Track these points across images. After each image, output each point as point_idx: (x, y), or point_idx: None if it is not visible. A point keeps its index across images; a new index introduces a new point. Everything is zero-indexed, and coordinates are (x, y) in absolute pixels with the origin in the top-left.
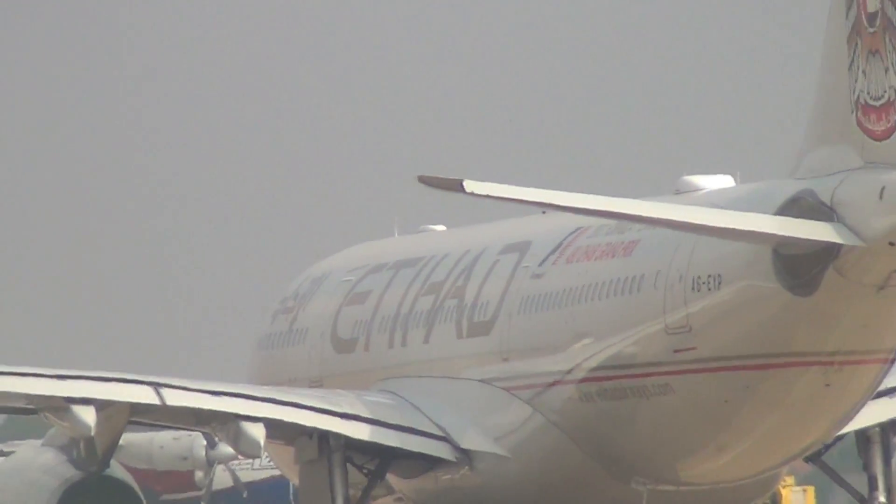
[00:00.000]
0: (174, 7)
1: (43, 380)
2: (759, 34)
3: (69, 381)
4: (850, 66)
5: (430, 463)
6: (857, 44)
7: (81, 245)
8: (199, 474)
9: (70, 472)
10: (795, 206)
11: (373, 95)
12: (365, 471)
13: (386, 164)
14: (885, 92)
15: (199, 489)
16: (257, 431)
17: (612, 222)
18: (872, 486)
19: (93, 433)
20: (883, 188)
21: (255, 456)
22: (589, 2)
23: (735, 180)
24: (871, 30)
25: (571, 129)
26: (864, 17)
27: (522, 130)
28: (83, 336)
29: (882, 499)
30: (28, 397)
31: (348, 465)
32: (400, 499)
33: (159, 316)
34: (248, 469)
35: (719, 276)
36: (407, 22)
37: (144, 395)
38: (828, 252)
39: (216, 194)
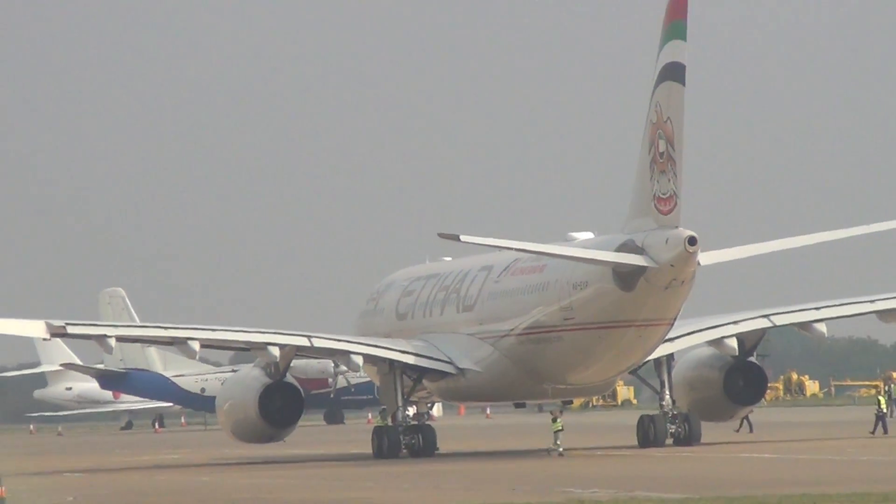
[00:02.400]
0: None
1: (254, 334)
2: (596, 154)
3: (267, 335)
4: (651, 178)
5: (443, 375)
6: (654, 167)
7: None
8: (329, 380)
9: (266, 380)
10: (624, 247)
11: (420, 189)
12: (412, 378)
13: (423, 224)
14: (668, 192)
15: (330, 388)
16: (358, 359)
17: (533, 256)
18: (661, 387)
19: (278, 360)
20: (667, 238)
21: (357, 371)
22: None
23: (594, 234)
24: (661, 160)
25: (516, 202)
26: (657, 153)
27: (488, 206)
28: (274, 306)
29: (667, 394)
30: (246, 343)
31: (403, 375)
32: (429, 393)
33: (310, 300)
34: (354, 377)
35: (586, 282)
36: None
37: (303, 342)
38: (640, 270)
39: (341, 243)
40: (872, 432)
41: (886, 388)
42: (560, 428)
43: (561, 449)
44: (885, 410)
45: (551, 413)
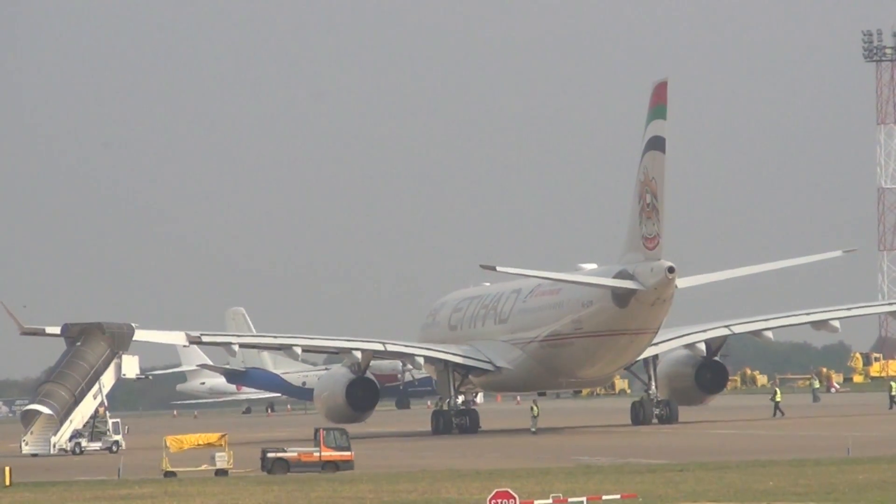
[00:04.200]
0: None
1: (342, 341)
2: (597, 203)
3: (352, 342)
4: (640, 223)
5: (484, 371)
6: (642, 214)
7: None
8: (399, 376)
9: (351, 376)
10: (620, 275)
11: (466, 234)
12: (461, 374)
13: (468, 258)
14: (653, 233)
15: (399, 381)
16: (421, 360)
17: (552, 281)
18: (649, 380)
19: (360, 361)
20: (652, 268)
21: (419, 369)
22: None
23: (597, 264)
24: (648, 209)
25: (537, 241)
26: (645, 204)
27: (516, 244)
28: (357, 320)
29: (653, 386)
30: (336, 348)
31: (455, 372)
32: (473, 385)
33: (384, 315)
34: (417, 372)
35: (591, 301)
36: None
37: (378, 347)
38: (632, 292)
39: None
40: (773, 415)
41: (815, 380)
42: (536, 414)
43: (534, 429)
44: (779, 399)
45: (533, 402)
